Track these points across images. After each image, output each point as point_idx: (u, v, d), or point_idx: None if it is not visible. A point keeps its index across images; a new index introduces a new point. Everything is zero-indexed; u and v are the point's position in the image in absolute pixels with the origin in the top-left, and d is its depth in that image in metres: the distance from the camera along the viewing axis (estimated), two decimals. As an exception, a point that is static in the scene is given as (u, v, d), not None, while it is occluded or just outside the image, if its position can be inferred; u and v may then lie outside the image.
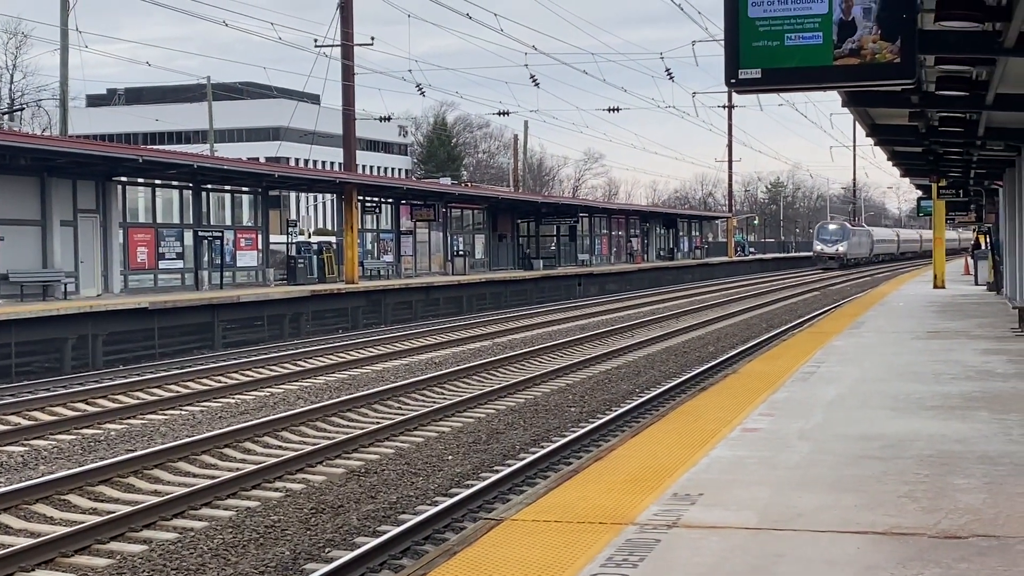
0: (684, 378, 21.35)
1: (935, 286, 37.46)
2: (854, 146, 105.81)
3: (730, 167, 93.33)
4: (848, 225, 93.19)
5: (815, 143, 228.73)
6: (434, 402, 19.05)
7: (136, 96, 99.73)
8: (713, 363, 23.92)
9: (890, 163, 30.71)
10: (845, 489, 7.65)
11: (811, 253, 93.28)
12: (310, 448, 14.59)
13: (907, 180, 45.41)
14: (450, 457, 14.39)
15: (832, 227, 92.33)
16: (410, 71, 45.70)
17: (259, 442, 15.30)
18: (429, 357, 25.83)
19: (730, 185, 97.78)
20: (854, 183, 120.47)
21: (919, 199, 49.40)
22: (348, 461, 14.10)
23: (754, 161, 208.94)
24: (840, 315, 26.66)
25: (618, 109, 46.09)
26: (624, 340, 29.92)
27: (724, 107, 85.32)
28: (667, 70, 37.23)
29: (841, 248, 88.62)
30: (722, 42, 7.22)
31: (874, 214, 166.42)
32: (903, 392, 12.32)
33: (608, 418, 16.78)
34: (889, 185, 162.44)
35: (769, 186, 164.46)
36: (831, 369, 14.60)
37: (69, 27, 36.81)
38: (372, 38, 38.94)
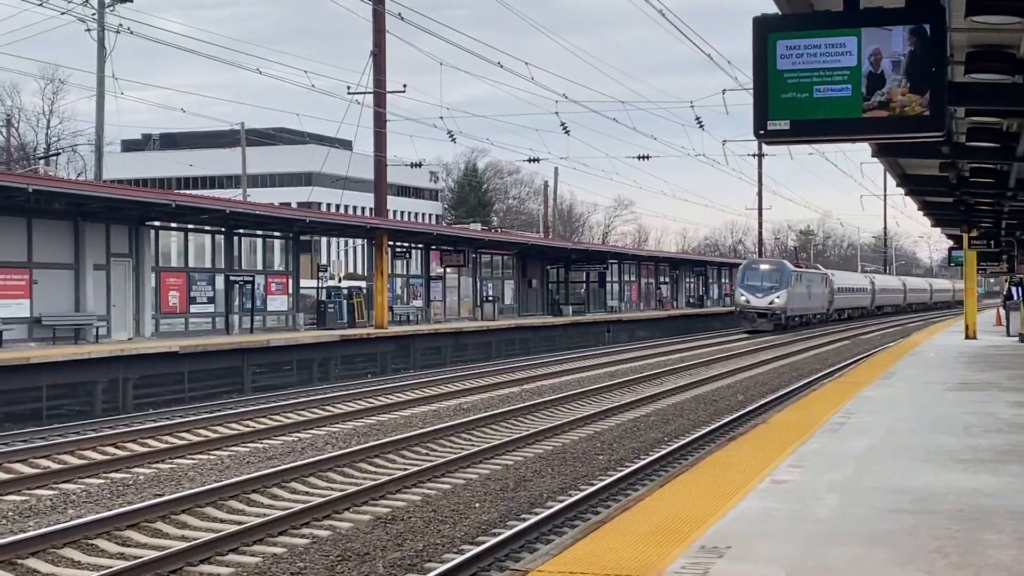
0: (713, 427, 21.24)
1: (967, 336, 37.19)
2: (885, 195, 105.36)
3: (760, 215, 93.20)
4: (788, 265, 64.98)
5: (845, 192, 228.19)
6: (462, 449, 19.00)
7: (171, 141, 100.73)
8: (742, 412, 23.78)
9: (921, 213, 30.62)
10: (875, 543, 7.57)
11: (733, 308, 65.98)
12: (337, 494, 14.57)
13: (938, 230, 45.23)
14: (477, 504, 14.34)
15: (764, 268, 63.24)
16: (441, 118, 46.22)
17: (286, 487, 15.30)
18: (457, 403, 25.81)
19: (760, 233, 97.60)
20: (884, 232, 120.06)
21: (950, 249, 49.23)
22: (375, 508, 14.07)
23: (784, 209, 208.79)
24: (871, 365, 26.48)
25: (648, 157, 46.21)
26: (653, 388, 29.81)
27: (754, 156, 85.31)
28: (697, 118, 37.34)
29: (777, 300, 61.24)
30: (752, 91, 7.25)
31: (905, 263, 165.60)
32: (934, 444, 12.21)
33: (636, 467, 16.69)
34: (920, 234, 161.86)
35: (799, 234, 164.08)
36: (862, 420, 14.48)
37: (105, 74, 37.30)
38: (404, 85, 39.19)
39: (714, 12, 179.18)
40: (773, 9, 8.17)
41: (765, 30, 7.08)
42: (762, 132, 7.13)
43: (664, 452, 18.12)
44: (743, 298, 61.74)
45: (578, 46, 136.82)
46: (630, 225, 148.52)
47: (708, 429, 20.94)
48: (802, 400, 18.10)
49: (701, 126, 39.42)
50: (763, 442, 12.34)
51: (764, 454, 11.35)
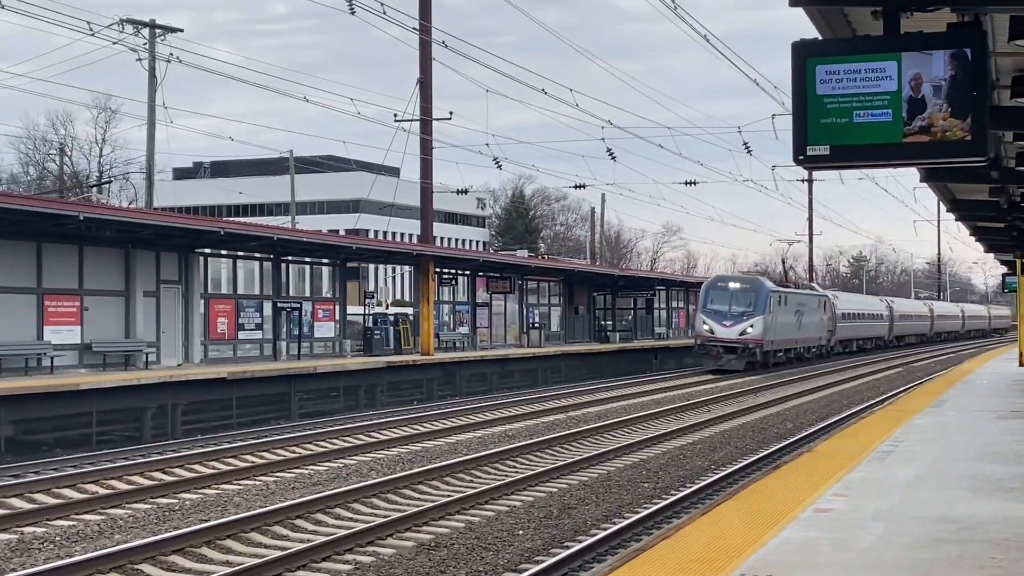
0: (759, 456, 21.06)
1: (1021, 363, 36.72)
2: (938, 221, 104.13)
3: (811, 241, 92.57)
4: (767, 284, 50.12)
5: (898, 216, 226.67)
6: (506, 476, 18.96)
7: (221, 169, 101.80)
8: (790, 440, 23.57)
9: (973, 238, 30.30)
10: (917, 573, 7.47)
11: (692, 340, 51.12)
12: (380, 520, 14.58)
13: (992, 255, 44.73)
14: (520, 532, 14.29)
15: (734, 287, 48.47)
16: (487, 144, 46.37)
17: (331, 513, 15.33)
18: (503, 430, 25.77)
19: (811, 259, 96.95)
20: (939, 258, 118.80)
21: (1004, 275, 48.63)
22: (418, 534, 14.06)
23: (835, 235, 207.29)
24: (922, 392, 26.19)
25: (695, 182, 46.11)
26: (701, 415, 29.63)
27: (804, 181, 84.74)
28: (745, 144, 37.25)
29: (751, 330, 47.12)
30: (791, 116, 7.21)
31: (960, 289, 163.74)
32: (983, 473, 12.04)
33: (681, 495, 16.57)
34: (975, 260, 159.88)
35: (851, 260, 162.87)
36: (910, 448, 14.32)
37: (156, 103, 37.77)
38: (451, 112, 39.38)
39: (759, 37, 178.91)
40: (813, 33, 8.14)
41: (805, 55, 7.05)
42: (801, 157, 7.09)
43: (710, 480, 17.98)
44: (705, 327, 46.43)
45: (624, 71, 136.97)
46: (679, 251, 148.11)
47: (755, 458, 20.76)
48: (850, 428, 17.94)
49: (749, 151, 39.30)
50: (808, 470, 12.23)
51: (808, 482, 11.24)
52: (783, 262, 66.77)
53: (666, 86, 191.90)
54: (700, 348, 47.83)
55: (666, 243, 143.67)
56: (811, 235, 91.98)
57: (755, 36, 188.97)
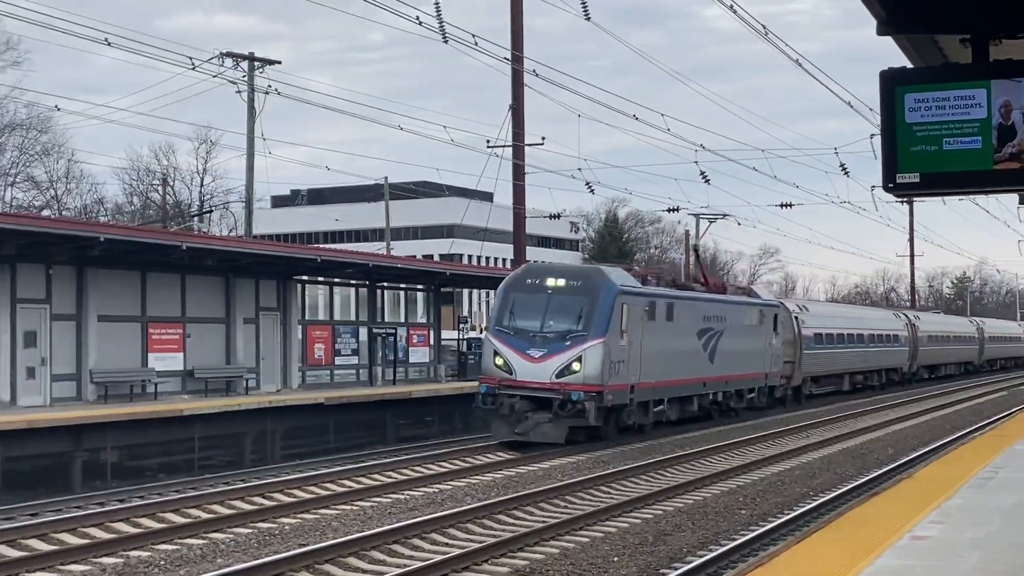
0: (859, 482, 20.78)
1: None
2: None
3: (912, 262, 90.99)
4: (610, 278, 27.05)
5: (1001, 237, 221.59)
6: (601, 502, 18.97)
7: (317, 197, 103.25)
8: (891, 466, 23.22)
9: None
10: (1017, 603, 7.38)
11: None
12: (475, 546, 14.70)
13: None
14: (616, 558, 14.31)
15: (553, 284, 26.70)
16: (580, 169, 46.40)
17: (426, 539, 15.49)
18: (597, 455, 25.74)
19: (912, 281, 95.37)
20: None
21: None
22: (513, 560, 14.15)
23: (936, 256, 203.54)
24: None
25: (791, 205, 45.68)
26: (799, 440, 29.33)
27: (904, 202, 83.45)
28: (842, 165, 36.76)
29: (579, 367, 25.65)
30: (880, 144, 7.20)
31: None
32: (1087, 500, 11.80)
33: (779, 522, 16.44)
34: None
35: (955, 281, 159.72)
36: (1011, 475, 14.07)
37: (255, 134, 38.55)
38: (543, 138, 39.54)
39: (855, 56, 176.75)
40: (902, 56, 8.13)
41: (893, 84, 7.04)
42: (891, 185, 7.07)
43: (807, 508, 17.81)
44: (497, 361, 26.20)
45: (717, 92, 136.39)
46: (776, 273, 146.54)
47: (854, 484, 20.51)
48: (951, 454, 17.67)
49: (846, 172, 38.83)
50: (905, 497, 12.10)
51: (906, 509, 11.12)
52: (695, 249, 44.98)
53: (760, 107, 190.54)
54: (486, 400, 25.85)
55: (764, 265, 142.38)
56: (912, 256, 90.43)
57: (850, 55, 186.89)
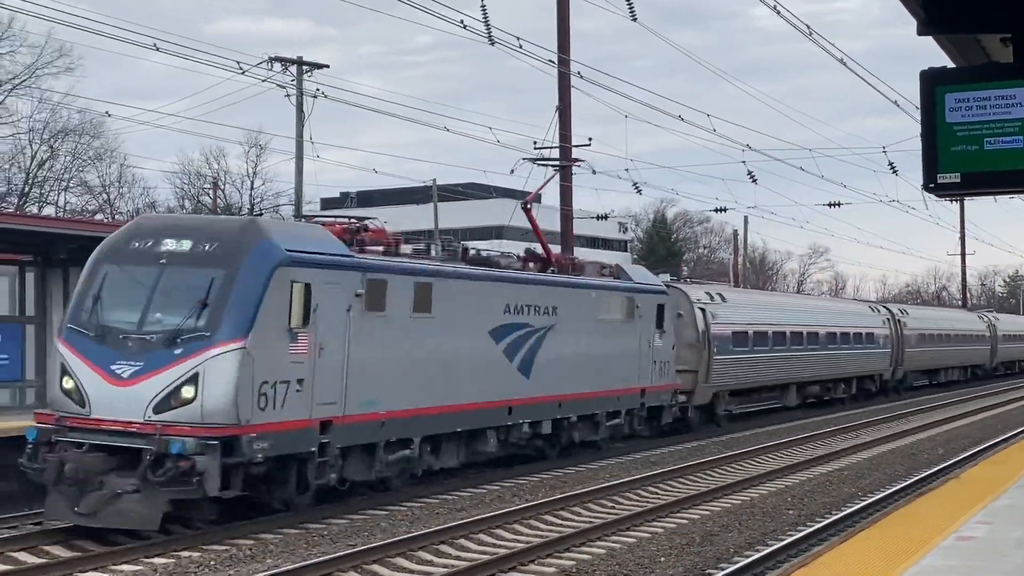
0: (907, 483, 20.64)
1: None
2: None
3: (963, 261, 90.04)
4: (270, 234, 16.16)
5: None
6: (648, 502, 18.99)
7: (367, 199, 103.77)
8: (941, 466, 23.04)
9: None
10: (1062, 604, 7.34)
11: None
12: (522, 546, 14.78)
13: None
14: (662, 559, 14.34)
15: (171, 247, 15.95)
16: (627, 169, 46.31)
17: (473, 539, 15.58)
18: (643, 456, 25.73)
19: (963, 280, 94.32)
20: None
21: None
22: (559, 560, 14.21)
23: (989, 254, 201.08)
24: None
25: (839, 204, 45.28)
26: (849, 440, 29.17)
27: (953, 200, 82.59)
28: (890, 164, 36.48)
29: (194, 394, 14.97)
30: (921, 143, 7.20)
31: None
32: None
33: (825, 522, 16.37)
34: None
35: (1007, 280, 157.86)
36: (1061, 475, 13.96)
37: (304, 137, 38.85)
38: (590, 139, 39.45)
39: (901, 54, 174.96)
40: (943, 56, 8.12)
41: (933, 84, 7.05)
42: (932, 185, 7.08)
43: (855, 508, 17.72)
44: (65, 382, 15.71)
45: (763, 91, 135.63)
46: (826, 273, 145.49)
47: (902, 484, 20.38)
48: (1000, 454, 17.54)
49: (894, 171, 38.53)
50: (952, 498, 12.04)
51: (952, 510, 11.07)
52: (525, 208, 25.43)
53: (807, 106, 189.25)
54: (34, 456, 15.47)
55: (813, 264, 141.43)
56: (963, 255, 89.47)
57: (899, 54, 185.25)
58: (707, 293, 32.25)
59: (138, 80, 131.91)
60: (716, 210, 44.90)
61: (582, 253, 39.42)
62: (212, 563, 14.03)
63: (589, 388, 23.70)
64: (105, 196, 75.26)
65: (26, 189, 64.46)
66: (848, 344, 40.59)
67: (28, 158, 64.31)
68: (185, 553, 14.57)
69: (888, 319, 45.71)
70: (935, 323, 52.84)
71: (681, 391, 28.49)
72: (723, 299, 32.55)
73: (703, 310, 30.57)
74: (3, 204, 59.81)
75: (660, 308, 26.68)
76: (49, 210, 65.41)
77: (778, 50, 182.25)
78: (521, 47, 27.22)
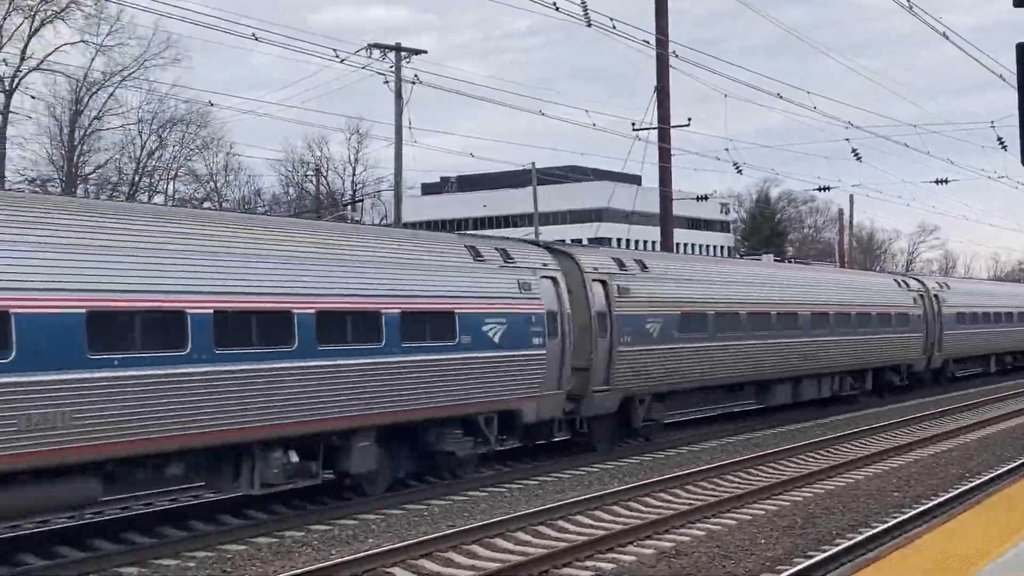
0: (1014, 464, 20.17)
1: None
2: None
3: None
4: None
5: None
6: (749, 484, 18.85)
7: (467, 183, 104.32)
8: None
9: None
10: None
11: None
12: (621, 528, 14.79)
13: None
14: (763, 541, 14.23)
15: None
16: (727, 150, 45.94)
17: (572, 520, 15.62)
18: (746, 438, 25.54)
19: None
20: None
21: None
22: (658, 542, 14.18)
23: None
24: None
25: (946, 181, 44.40)
26: (961, 420, 28.66)
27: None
28: (999, 139, 35.62)
29: None
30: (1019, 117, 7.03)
31: None
32: None
33: (930, 504, 16.09)
34: None
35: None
36: None
37: (403, 124, 39.10)
38: (688, 119, 39.22)
39: (1011, 28, 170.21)
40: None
41: (1031, 55, 6.87)
42: (1031, 160, 6.93)
43: (961, 490, 17.38)
44: None
45: (868, 68, 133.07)
46: (935, 251, 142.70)
47: (1013, 465, 19.93)
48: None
49: (1004, 147, 37.60)
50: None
51: (1060, 492, 10.83)
52: None
53: (913, 82, 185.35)
54: None
55: (922, 243, 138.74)
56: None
57: (1007, 27, 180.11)
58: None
59: (243, 70, 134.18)
60: (820, 189, 44.38)
61: (682, 235, 39.10)
62: (315, 543, 14.29)
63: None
64: (212, 184, 76.75)
65: (136, 178, 65.99)
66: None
67: (138, 148, 65.86)
68: (289, 533, 14.81)
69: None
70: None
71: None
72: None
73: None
74: (115, 193, 61.30)
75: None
76: (158, 199, 66.93)
77: (884, 25, 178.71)
78: (615, 28, 27.08)
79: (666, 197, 37.53)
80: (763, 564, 12.99)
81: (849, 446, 23.95)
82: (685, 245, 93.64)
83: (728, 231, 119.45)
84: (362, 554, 13.06)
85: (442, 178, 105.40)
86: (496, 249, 19.95)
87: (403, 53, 39.06)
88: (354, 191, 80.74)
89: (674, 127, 37.53)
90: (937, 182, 44.25)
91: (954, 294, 40.58)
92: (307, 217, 55.24)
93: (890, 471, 20.17)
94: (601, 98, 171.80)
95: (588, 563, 13.04)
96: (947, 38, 23.03)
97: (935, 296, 38.41)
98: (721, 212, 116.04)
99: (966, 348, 40.91)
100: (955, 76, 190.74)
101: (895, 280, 37.76)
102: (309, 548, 14.04)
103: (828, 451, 23.09)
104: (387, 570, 12.70)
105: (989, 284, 55.69)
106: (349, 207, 69.43)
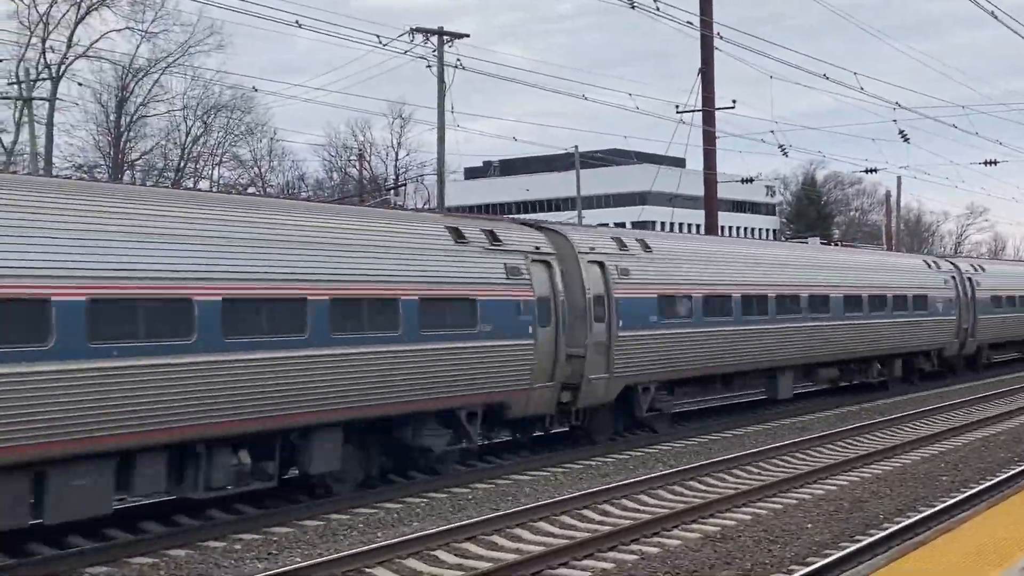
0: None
1: None
2: None
3: None
4: None
5: None
6: (795, 468, 18.75)
7: (509, 167, 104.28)
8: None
9: None
10: None
11: None
12: (666, 511, 14.74)
13: None
14: (809, 525, 14.14)
15: None
16: (772, 132, 45.75)
17: (616, 504, 15.58)
18: (791, 422, 25.38)
19: None
20: None
21: None
22: (704, 526, 14.13)
23: None
24: None
25: (995, 162, 43.89)
26: (1010, 404, 28.34)
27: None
28: (1049, 118, 35.09)
29: None
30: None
31: None
32: None
33: (978, 488, 15.92)
34: None
35: None
36: None
37: (445, 108, 39.11)
38: (733, 101, 38.90)
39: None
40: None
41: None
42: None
43: (1011, 474, 17.20)
44: None
45: (919, 50, 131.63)
46: (985, 233, 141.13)
47: (1063, 449, 19.72)
48: None
49: (1054, 127, 37.06)
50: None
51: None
52: None
53: (963, 63, 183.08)
54: None
55: (971, 225, 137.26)
56: None
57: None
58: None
59: (287, 55, 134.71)
60: (867, 171, 44.00)
61: (727, 218, 38.87)
62: (360, 526, 14.35)
63: None
64: (256, 169, 77.10)
65: (181, 164, 66.41)
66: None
67: (183, 134, 66.21)
68: (335, 516, 14.87)
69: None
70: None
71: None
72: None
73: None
74: (160, 179, 61.75)
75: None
76: (204, 184, 67.33)
77: (935, 7, 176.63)
78: (659, 9, 26.90)
79: (710, 180, 37.29)
80: (810, 548, 12.91)
81: (896, 430, 23.75)
82: (730, 228, 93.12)
83: (773, 214, 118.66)
84: (406, 537, 13.07)
85: (485, 162, 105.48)
86: (482, 231, 18.28)
87: (445, 37, 39.04)
88: (397, 175, 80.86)
89: (719, 109, 37.28)
90: (986, 163, 43.77)
91: (989, 276, 38.87)
92: (348, 202, 55.35)
93: (938, 455, 20.00)
94: (646, 80, 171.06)
95: (633, 547, 13.00)
96: (995, 17, 22.66)
97: (968, 279, 36.75)
98: (766, 195, 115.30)
99: (1002, 333, 39.28)
100: (1006, 57, 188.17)
101: (925, 262, 35.85)
102: (354, 531, 14.09)
103: (875, 435, 22.90)
104: (432, 553, 12.71)
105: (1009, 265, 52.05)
106: (392, 191, 69.57)
